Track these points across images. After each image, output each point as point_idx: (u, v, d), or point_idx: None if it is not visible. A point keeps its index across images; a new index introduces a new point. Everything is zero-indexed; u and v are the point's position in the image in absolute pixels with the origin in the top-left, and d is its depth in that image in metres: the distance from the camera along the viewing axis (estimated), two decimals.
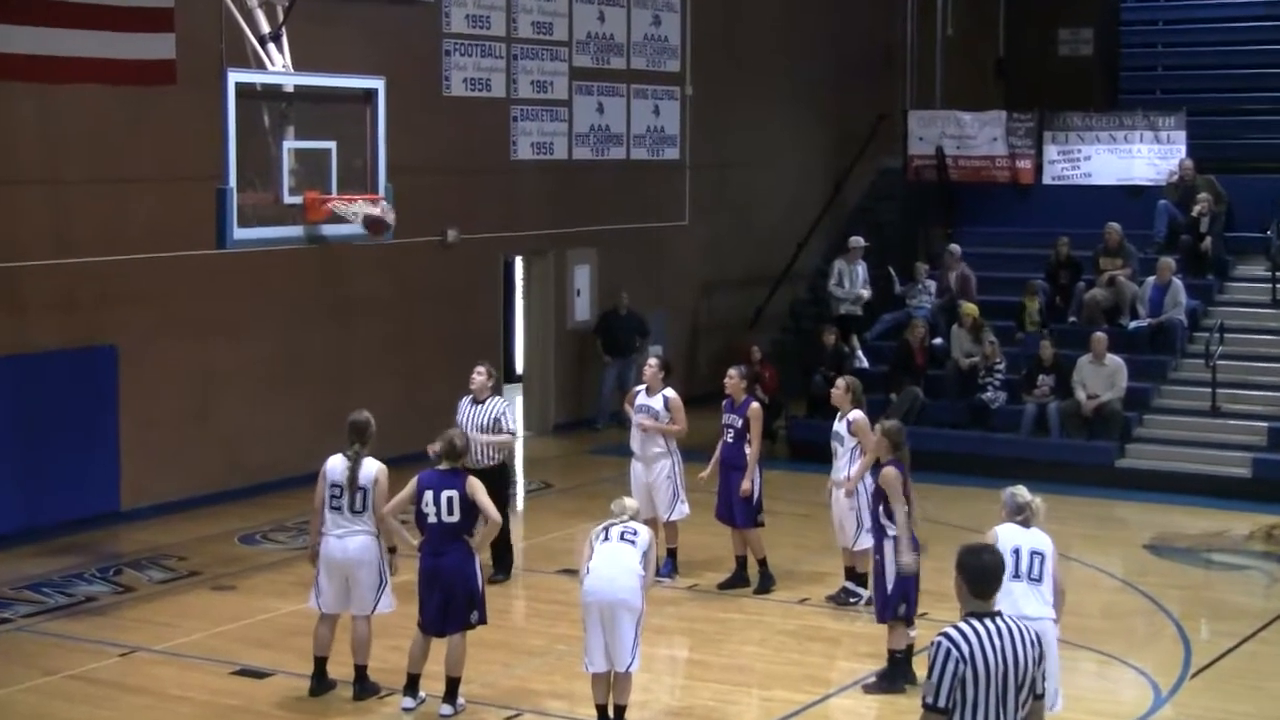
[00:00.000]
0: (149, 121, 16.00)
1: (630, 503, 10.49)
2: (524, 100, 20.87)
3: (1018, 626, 6.47)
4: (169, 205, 16.10)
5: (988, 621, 6.44)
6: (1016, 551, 9.26)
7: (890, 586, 11.11)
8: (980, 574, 6.52)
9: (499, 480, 13.37)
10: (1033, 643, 6.46)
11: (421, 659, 10.77)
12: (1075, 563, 15.02)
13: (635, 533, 10.09)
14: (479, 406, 13.52)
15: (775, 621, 12.99)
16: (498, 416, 13.48)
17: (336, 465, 10.93)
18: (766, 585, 13.69)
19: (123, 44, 14.07)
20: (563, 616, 12.42)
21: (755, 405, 13.73)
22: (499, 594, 14.35)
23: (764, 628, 12.84)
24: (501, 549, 13.89)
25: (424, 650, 10.75)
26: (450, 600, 10.55)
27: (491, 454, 13.47)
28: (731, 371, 13.90)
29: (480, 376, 13.55)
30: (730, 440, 13.68)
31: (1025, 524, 9.48)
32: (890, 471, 11.09)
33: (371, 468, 10.88)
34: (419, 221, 18.20)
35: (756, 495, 13.56)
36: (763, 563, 13.74)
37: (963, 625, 6.44)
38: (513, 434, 13.85)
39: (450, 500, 10.47)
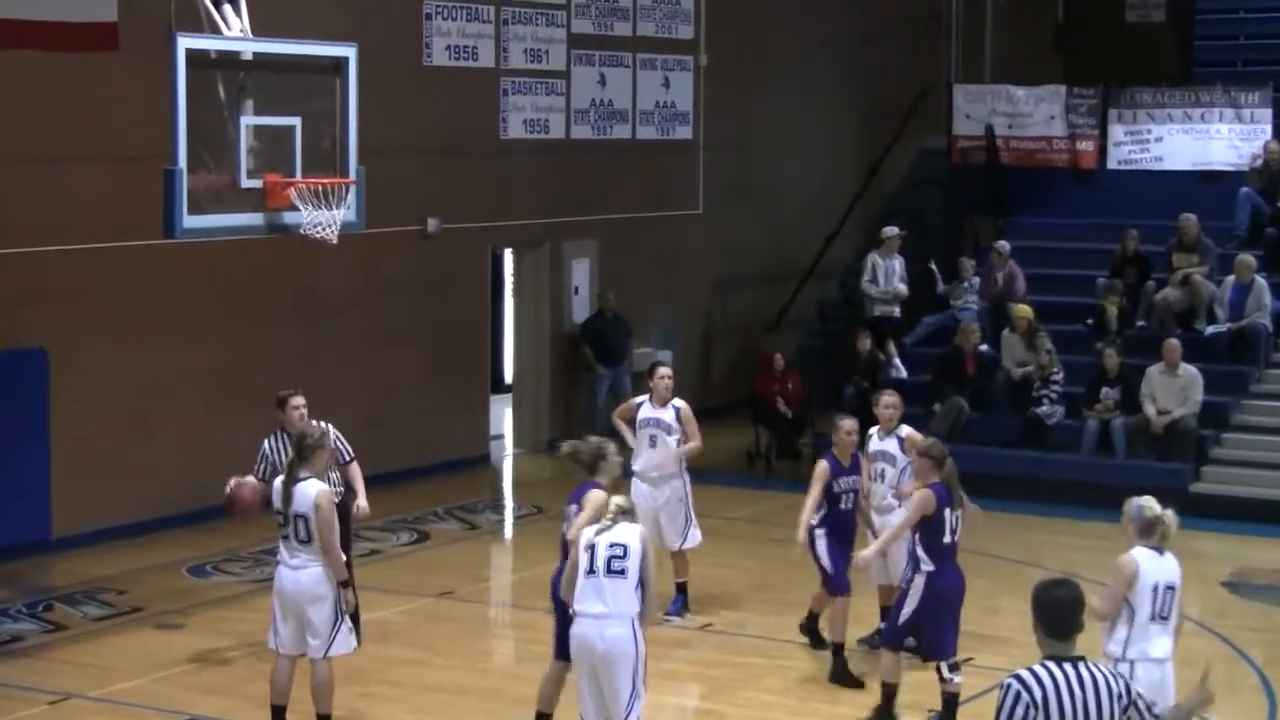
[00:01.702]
0: (87, 93, 15.99)
1: (619, 501, 10.03)
2: (516, 71, 20.86)
3: (1103, 675, 6.46)
4: (110, 189, 16.09)
5: (1067, 666, 6.43)
6: (1156, 588, 9.20)
7: (904, 618, 11.23)
8: (1055, 611, 6.51)
9: (342, 515, 12.56)
10: (1119, 695, 6.44)
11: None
12: None
13: (624, 555, 9.80)
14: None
15: (799, 666, 12.97)
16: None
17: (276, 487, 10.92)
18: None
19: (56, 4, 14.08)
20: None
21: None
22: (481, 635, 14.34)
23: (786, 673, 12.82)
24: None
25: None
26: None
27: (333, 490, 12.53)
28: (850, 425, 12.97)
29: (303, 408, 12.71)
30: (851, 507, 12.86)
31: (1160, 549, 9.29)
32: (926, 495, 11.10)
33: (310, 491, 10.75)
34: (396, 210, 18.20)
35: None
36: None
37: (1038, 668, 6.44)
38: (353, 458, 12.93)
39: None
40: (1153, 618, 9.17)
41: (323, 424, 11.76)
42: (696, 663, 13.15)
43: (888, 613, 13.30)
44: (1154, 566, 9.22)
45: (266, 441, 12.70)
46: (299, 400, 12.73)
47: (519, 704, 12.04)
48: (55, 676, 12.68)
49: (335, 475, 12.33)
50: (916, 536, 11.22)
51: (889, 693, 11.48)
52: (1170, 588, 9.23)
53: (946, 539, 11.15)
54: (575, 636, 9.84)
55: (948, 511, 11.13)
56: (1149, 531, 9.30)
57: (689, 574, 14.19)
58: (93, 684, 12.44)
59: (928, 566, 11.13)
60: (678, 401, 14.02)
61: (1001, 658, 12.33)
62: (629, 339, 21.67)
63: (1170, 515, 9.37)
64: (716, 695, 12.43)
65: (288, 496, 10.74)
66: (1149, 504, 9.39)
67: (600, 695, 9.85)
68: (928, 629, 11.24)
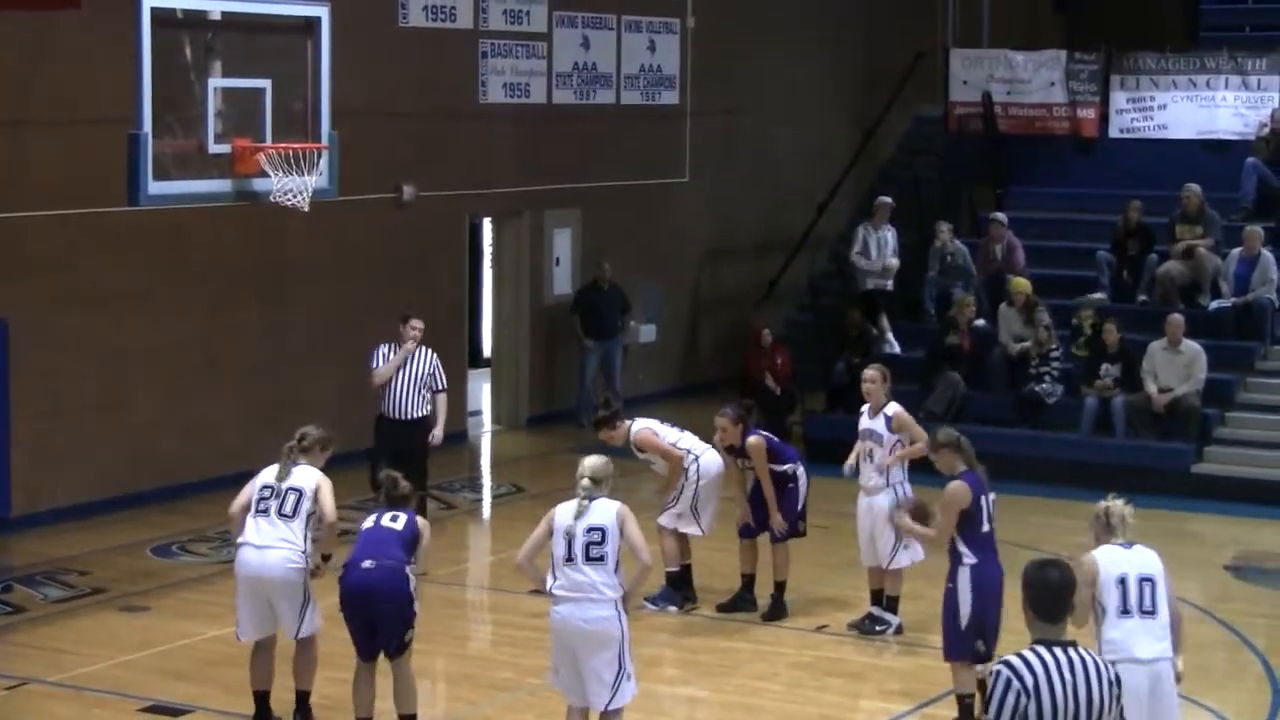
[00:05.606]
0: (47, 53, 15.93)
1: (590, 462, 9.99)
2: (495, 33, 20.81)
3: (1094, 659, 6.54)
4: (71, 154, 16.04)
5: (1058, 651, 6.51)
6: (1123, 580, 8.91)
7: (965, 620, 10.85)
8: (1045, 593, 6.57)
9: (423, 431, 15.18)
10: (1111, 681, 6.52)
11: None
12: None
13: (603, 541, 9.82)
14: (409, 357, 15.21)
15: (788, 653, 13.00)
16: (433, 370, 15.21)
17: (270, 470, 11.04)
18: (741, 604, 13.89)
19: None
20: (536, 644, 12.38)
21: (754, 440, 13.73)
22: (458, 619, 14.36)
23: (774, 660, 12.85)
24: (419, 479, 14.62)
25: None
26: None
27: (422, 404, 15.18)
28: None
29: (420, 330, 15.09)
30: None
31: (1128, 543, 9.01)
32: (959, 488, 10.86)
33: (313, 473, 10.99)
34: (370, 176, 18.17)
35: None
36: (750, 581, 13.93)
37: (1027, 653, 6.52)
38: (445, 390, 15.42)
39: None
40: (1125, 611, 8.84)
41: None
42: (681, 648, 13.17)
43: (878, 596, 13.37)
44: (1118, 560, 8.95)
45: (380, 348, 15.18)
46: (419, 323, 15.06)
47: (496, 689, 12.08)
48: (14, 660, 12.67)
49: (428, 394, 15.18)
50: (955, 532, 10.90)
51: (966, 705, 11.08)
52: (1147, 579, 8.89)
53: (985, 528, 10.88)
54: (556, 617, 9.87)
55: (984, 499, 10.88)
56: (1109, 530, 9.08)
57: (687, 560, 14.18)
58: (53, 668, 12.43)
59: (970, 559, 10.83)
60: (637, 428, 13.99)
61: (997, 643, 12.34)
62: (624, 314, 21.65)
63: (1118, 506, 9.11)
64: (701, 682, 12.45)
65: (285, 472, 10.91)
66: (1101, 505, 9.21)
67: (580, 678, 9.86)
68: (988, 623, 10.87)
